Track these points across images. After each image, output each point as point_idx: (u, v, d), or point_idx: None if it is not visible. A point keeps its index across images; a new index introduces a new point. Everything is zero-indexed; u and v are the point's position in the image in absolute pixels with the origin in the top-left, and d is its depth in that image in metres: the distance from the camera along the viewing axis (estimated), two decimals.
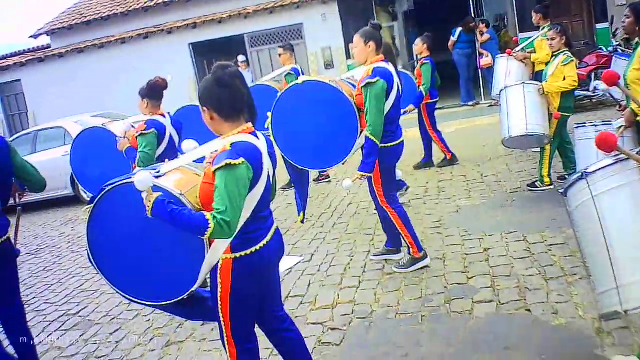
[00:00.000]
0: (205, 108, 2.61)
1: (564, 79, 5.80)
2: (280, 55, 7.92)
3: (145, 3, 14.83)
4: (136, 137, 4.68)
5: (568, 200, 2.70)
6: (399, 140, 4.50)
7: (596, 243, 2.54)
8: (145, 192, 2.45)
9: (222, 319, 2.71)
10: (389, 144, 4.41)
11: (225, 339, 2.76)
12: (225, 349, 2.80)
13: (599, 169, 2.52)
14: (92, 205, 2.74)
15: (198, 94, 2.64)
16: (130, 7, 14.86)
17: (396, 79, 4.39)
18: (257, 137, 2.65)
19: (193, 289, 2.69)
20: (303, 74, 7.60)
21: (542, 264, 4.35)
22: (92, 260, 2.81)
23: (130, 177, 2.64)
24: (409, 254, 4.63)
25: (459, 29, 12.31)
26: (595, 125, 4.51)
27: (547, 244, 4.72)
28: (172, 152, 4.81)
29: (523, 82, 6.14)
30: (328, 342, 3.79)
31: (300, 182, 5.75)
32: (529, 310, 3.71)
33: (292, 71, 7.57)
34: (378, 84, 4.15)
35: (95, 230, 2.78)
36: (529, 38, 7.73)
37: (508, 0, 13.04)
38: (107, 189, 2.70)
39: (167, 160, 2.81)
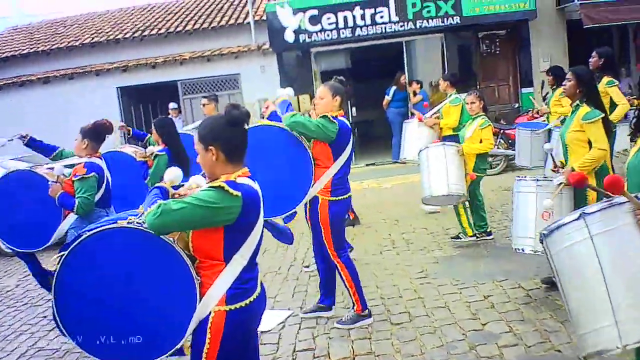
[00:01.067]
0: (211, 147, 2.46)
1: (481, 141, 6.14)
2: (204, 105, 8.08)
3: (69, 43, 14.17)
4: (73, 182, 4.30)
5: (552, 244, 2.73)
6: (348, 194, 4.53)
7: (587, 282, 2.58)
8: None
9: None
10: (339, 197, 4.41)
11: None
12: None
13: (597, 211, 2.58)
14: (66, 253, 2.46)
15: (201, 132, 2.49)
16: (54, 45, 14.12)
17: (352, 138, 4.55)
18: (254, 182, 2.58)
19: (177, 346, 2.48)
20: None
21: (550, 307, 4.39)
22: (59, 319, 2.51)
23: (116, 222, 2.48)
24: (353, 310, 4.54)
25: (393, 88, 12.66)
26: (537, 180, 4.61)
27: (544, 289, 4.78)
28: (109, 197, 4.62)
29: (444, 143, 6.36)
30: None
31: None
32: (558, 351, 3.72)
33: None
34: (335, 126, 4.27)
35: (66, 284, 2.47)
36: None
37: (439, 64, 13.69)
38: (87, 235, 2.46)
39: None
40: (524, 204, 4.65)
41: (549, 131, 7.72)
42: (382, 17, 12.44)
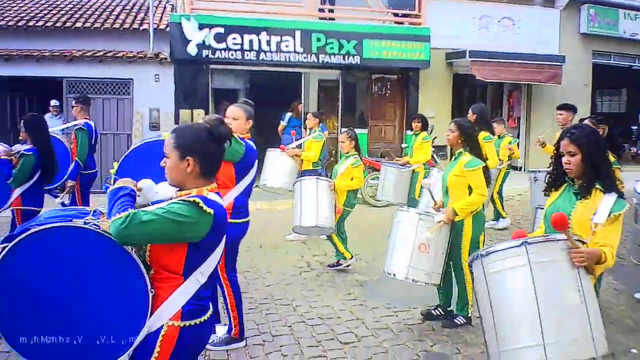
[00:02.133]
0: (189, 158, 2.39)
1: (352, 179, 6.61)
2: (73, 107, 7.79)
3: None
4: None
5: (488, 264, 2.99)
6: (248, 218, 4.56)
7: (520, 304, 2.88)
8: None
9: None
10: (240, 220, 4.42)
11: None
12: None
13: (538, 242, 2.91)
14: (11, 245, 2.29)
15: (179, 140, 2.43)
16: None
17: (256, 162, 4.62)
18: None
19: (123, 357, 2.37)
20: (96, 130, 7.69)
21: None
22: None
23: (71, 220, 2.34)
24: (230, 334, 4.62)
25: (289, 114, 12.81)
26: (419, 214, 5.01)
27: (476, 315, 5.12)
28: None
29: (317, 177, 6.80)
30: None
31: None
32: None
33: (85, 126, 7.37)
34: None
35: (6, 277, 2.30)
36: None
37: (335, 99, 14.09)
38: (37, 229, 2.30)
39: None
40: (404, 234, 4.99)
41: (413, 172, 8.48)
42: (287, 46, 12.60)
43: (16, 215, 5.66)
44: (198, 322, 2.38)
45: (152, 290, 2.33)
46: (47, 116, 11.44)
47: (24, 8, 14.27)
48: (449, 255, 4.94)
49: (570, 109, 7.16)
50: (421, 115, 9.30)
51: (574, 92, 14.70)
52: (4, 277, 2.28)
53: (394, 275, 4.97)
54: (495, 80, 13.99)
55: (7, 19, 13.21)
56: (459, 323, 4.98)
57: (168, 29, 12.50)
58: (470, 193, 4.80)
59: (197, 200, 2.28)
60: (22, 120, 5.77)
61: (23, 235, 2.27)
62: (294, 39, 12.63)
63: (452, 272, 5.02)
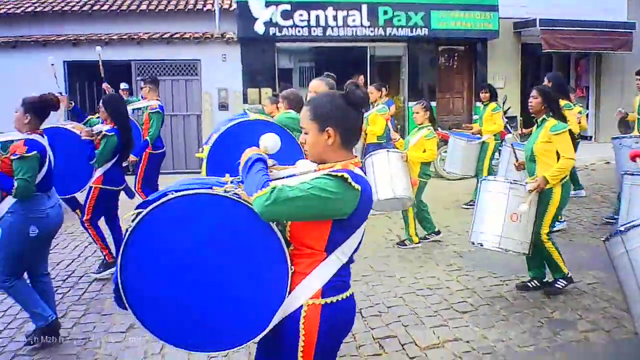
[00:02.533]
0: (329, 129, 2.22)
1: (424, 151, 6.44)
2: (142, 88, 7.90)
3: (8, 10, 12.98)
4: (11, 161, 3.90)
5: (629, 240, 3.22)
6: None
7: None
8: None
9: None
10: None
11: None
12: None
13: None
14: (146, 212, 2.14)
15: (318, 110, 2.26)
16: None
17: None
18: None
19: (256, 339, 2.24)
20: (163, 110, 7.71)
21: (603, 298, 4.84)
22: (122, 286, 2.18)
23: (211, 188, 2.19)
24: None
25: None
26: (510, 183, 4.90)
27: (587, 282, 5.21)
28: (51, 179, 4.20)
29: (387, 150, 6.53)
30: None
31: None
32: None
33: (160, 109, 7.58)
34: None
35: (138, 247, 2.15)
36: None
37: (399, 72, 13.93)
38: (175, 195, 2.14)
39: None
40: (494, 204, 4.90)
41: (483, 144, 8.21)
42: (353, 20, 12.46)
43: (92, 194, 5.68)
44: (340, 299, 2.22)
45: (292, 267, 2.20)
46: None
47: None
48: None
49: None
50: (489, 85, 9.04)
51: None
52: (136, 246, 2.16)
53: (481, 245, 4.91)
54: (565, 50, 13.59)
55: (71, 4, 13.35)
56: (560, 287, 4.90)
57: (234, 8, 12.46)
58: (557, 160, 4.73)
59: (345, 175, 2.09)
60: (102, 101, 5.80)
61: (157, 203, 2.14)
62: (360, 13, 12.46)
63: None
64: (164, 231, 2.13)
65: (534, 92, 4.99)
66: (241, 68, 12.78)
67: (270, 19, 12.13)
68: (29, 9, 13.04)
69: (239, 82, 12.80)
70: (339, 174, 2.09)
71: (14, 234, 3.98)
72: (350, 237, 2.21)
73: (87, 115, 7.22)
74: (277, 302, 2.15)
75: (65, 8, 13.10)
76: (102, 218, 5.87)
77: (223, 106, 12.81)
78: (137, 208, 2.20)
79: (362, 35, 12.61)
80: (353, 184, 2.09)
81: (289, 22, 12.22)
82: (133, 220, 2.15)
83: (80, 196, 5.99)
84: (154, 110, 7.49)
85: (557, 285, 4.91)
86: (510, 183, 4.87)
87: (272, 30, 12.19)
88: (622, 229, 3.27)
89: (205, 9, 13.19)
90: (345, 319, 2.28)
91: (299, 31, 12.30)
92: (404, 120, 13.22)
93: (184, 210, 2.13)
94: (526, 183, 4.77)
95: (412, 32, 12.72)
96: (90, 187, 5.67)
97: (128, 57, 12.56)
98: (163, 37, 12.53)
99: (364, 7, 12.46)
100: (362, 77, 12.76)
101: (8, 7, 13.28)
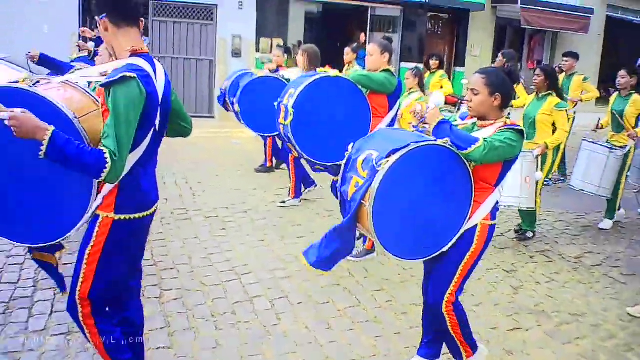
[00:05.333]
0: (497, 94, 2.98)
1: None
2: (277, 56, 8.15)
3: None
4: None
5: None
6: None
7: None
8: None
9: None
10: None
11: None
12: None
13: None
14: (396, 158, 2.72)
15: (494, 80, 2.96)
16: None
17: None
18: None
19: (448, 245, 2.97)
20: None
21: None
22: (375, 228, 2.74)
23: (435, 141, 2.83)
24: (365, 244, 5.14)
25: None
26: (610, 149, 6.23)
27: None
28: None
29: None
30: None
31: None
32: None
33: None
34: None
35: (389, 190, 2.72)
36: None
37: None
38: (415, 146, 2.75)
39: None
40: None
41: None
42: None
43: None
44: (496, 222, 3.03)
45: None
46: None
47: None
48: None
49: (575, 56, 8.49)
50: (439, 55, 9.79)
51: (589, 41, 16.64)
52: (387, 189, 2.70)
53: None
54: (540, 27, 15.49)
55: None
56: (529, 237, 5.91)
57: None
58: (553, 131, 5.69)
59: (521, 128, 2.96)
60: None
61: (403, 152, 2.72)
62: None
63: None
64: (408, 172, 2.76)
65: (538, 71, 5.81)
66: (255, 16, 13.19)
67: None
68: None
69: (253, 30, 13.22)
70: (518, 128, 2.92)
71: None
72: (507, 174, 3.00)
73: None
74: (460, 223, 2.95)
75: None
76: None
77: (236, 53, 13.19)
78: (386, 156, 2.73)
79: None
80: (520, 135, 2.91)
81: None
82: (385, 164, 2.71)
83: None
84: None
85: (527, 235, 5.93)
86: (522, 151, 5.88)
87: None
88: None
89: None
90: (492, 235, 3.06)
91: None
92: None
93: (422, 157, 2.80)
94: (532, 150, 5.48)
95: None
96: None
97: None
98: None
99: None
100: (363, 34, 13.90)
101: None
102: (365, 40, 14.07)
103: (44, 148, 2.10)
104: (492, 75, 2.99)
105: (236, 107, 7.13)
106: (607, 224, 6.52)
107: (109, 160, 2.16)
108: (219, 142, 10.43)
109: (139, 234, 2.66)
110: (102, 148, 2.18)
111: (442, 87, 8.90)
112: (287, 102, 4.54)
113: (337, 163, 4.61)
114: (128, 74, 2.24)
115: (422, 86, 7.08)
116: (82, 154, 2.14)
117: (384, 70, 4.73)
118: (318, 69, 5.33)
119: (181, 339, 3.56)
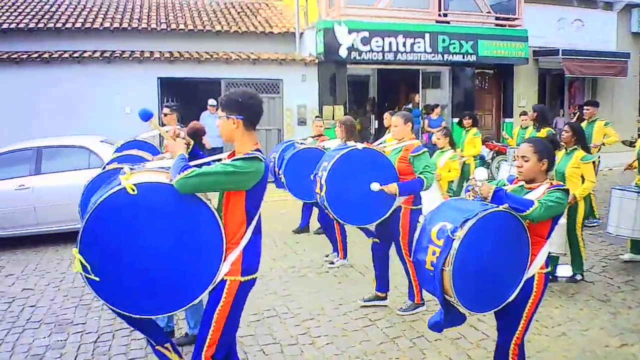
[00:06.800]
0: (545, 160, 3.41)
1: (449, 170, 7.41)
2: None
3: (112, 25, 13.45)
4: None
5: None
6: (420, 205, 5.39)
7: None
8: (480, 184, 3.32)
9: None
10: (418, 206, 5.26)
11: None
12: None
13: None
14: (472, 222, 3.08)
15: (539, 148, 3.40)
16: (90, 24, 13.41)
17: None
18: None
19: (512, 296, 3.33)
20: None
21: None
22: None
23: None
24: (412, 300, 5.44)
25: (410, 105, 14.64)
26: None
27: None
28: None
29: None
30: None
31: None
32: None
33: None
34: (426, 154, 5.18)
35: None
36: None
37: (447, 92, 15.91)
38: (490, 211, 3.14)
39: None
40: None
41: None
42: (419, 46, 14.31)
43: None
44: (550, 270, 3.47)
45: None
46: (205, 114, 12.56)
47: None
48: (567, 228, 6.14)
49: (595, 104, 9.06)
50: (471, 113, 10.24)
51: (627, 83, 17.41)
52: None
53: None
54: (581, 75, 16.32)
55: (172, 24, 14.15)
56: (578, 279, 6.17)
57: (319, 32, 13.80)
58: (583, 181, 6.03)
59: (566, 187, 3.35)
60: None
61: (477, 218, 3.10)
62: (424, 40, 14.34)
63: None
64: (479, 237, 3.10)
65: (566, 127, 6.20)
66: (317, 87, 14.19)
67: (352, 44, 13.65)
68: (135, 26, 13.82)
69: (316, 99, 14.20)
70: (563, 187, 3.30)
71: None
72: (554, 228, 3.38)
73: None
74: (522, 273, 3.31)
75: (163, 26, 13.99)
76: None
77: (302, 121, 14.13)
78: None
79: (425, 60, 14.45)
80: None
81: (367, 48, 13.80)
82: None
83: None
84: None
85: (576, 277, 6.17)
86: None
87: (353, 54, 13.71)
88: None
89: (284, 31, 14.69)
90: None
91: (374, 55, 13.92)
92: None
93: (490, 222, 3.15)
94: None
95: (463, 57, 14.78)
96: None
97: (218, 75, 13.50)
98: (250, 57, 13.61)
99: (427, 36, 14.33)
100: (417, 95, 14.80)
101: (112, 23, 13.81)
102: (419, 99, 14.98)
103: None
104: (539, 144, 3.43)
105: (282, 178, 7.48)
106: (628, 256, 6.95)
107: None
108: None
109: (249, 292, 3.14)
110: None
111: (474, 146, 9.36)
112: (321, 175, 4.98)
113: (366, 225, 5.28)
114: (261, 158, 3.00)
115: (452, 144, 7.57)
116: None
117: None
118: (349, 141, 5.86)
119: None
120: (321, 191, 4.95)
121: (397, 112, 5.42)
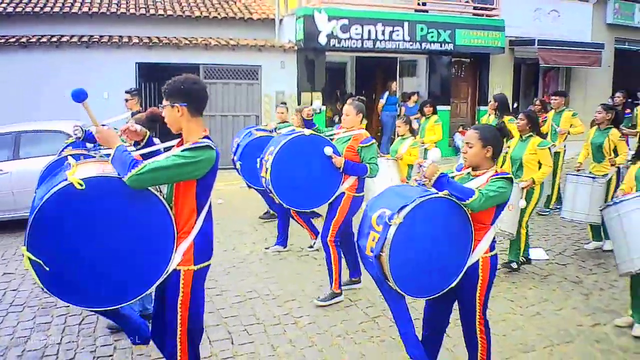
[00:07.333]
0: (489, 147, 3.45)
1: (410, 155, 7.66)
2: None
3: (90, 9, 13.37)
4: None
5: (622, 207, 4.70)
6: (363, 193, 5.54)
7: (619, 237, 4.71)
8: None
9: None
10: (359, 194, 5.40)
11: None
12: None
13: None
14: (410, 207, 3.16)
15: (483, 135, 3.44)
16: (69, 9, 13.32)
17: None
18: None
19: (452, 284, 3.40)
20: None
21: None
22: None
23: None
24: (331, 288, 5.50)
25: (387, 93, 14.80)
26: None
27: None
28: None
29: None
30: None
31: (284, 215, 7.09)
32: None
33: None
34: (374, 145, 5.34)
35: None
36: None
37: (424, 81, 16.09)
38: (426, 198, 3.21)
39: None
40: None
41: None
42: (397, 35, 14.45)
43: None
44: (496, 253, 3.46)
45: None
46: None
47: None
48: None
49: (563, 94, 9.40)
50: (433, 100, 10.64)
51: (600, 73, 17.78)
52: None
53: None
54: (556, 65, 16.62)
55: (150, 8, 14.04)
56: (513, 267, 6.24)
57: (298, 19, 13.87)
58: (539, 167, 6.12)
59: (510, 175, 3.40)
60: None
61: (413, 205, 3.17)
62: (403, 29, 14.48)
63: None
64: (416, 223, 3.17)
65: (521, 116, 6.28)
66: (296, 74, 14.29)
67: (332, 31, 13.75)
68: (113, 11, 13.71)
69: (294, 85, 14.30)
70: (507, 176, 3.37)
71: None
72: (499, 213, 3.44)
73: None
74: (465, 259, 3.37)
75: (142, 11, 13.95)
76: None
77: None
78: None
79: (404, 49, 14.60)
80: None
81: (346, 35, 13.91)
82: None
83: None
84: None
85: (512, 265, 6.25)
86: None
87: (332, 41, 13.80)
88: (616, 200, 4.77)
89: (262, 17, 14.73)
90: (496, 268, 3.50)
91: (353, 43, 14.03)
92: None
93: (427, 208, 3.22)
94: (518, 182, 5.96)
95: (441, 46, 14.96)
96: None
97: (197, 60, 13.52)
98: (229, 43, 13.64)
99: (405, 24, 14.48)
100: (394, 83, 14.98)
101: (90, 7, 13.71)
102: (396, 87, 15.14)
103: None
104: (484, 131, 3.47)
105: (237, 165, 7.66)
106: (592, 245, 7.17)
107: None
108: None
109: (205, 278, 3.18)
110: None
111: (434, 133, 9.50)
112: (267, 159, 5.11)
113: (313, 209, 5.46)
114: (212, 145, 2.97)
115: (412, 131, 7.83)
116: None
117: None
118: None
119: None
120: (266, 174, 5.07)
121: (351, 102, 5.51)
